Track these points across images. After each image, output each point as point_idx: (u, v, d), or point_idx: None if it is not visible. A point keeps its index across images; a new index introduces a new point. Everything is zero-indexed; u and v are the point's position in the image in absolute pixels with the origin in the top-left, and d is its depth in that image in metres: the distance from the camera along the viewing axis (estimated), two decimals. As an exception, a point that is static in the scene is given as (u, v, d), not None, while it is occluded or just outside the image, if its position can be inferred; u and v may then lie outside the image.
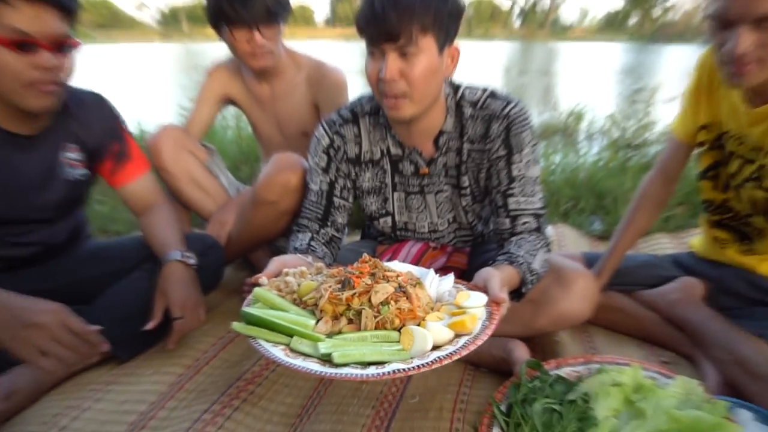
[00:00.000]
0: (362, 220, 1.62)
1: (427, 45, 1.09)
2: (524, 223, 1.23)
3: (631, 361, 1.12)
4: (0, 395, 1.11)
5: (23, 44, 1.05)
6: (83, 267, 1.39)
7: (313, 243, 1.30)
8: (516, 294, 1.15)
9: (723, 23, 1.04)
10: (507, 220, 1.24)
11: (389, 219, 1.40)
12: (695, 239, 1.58)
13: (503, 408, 1.04)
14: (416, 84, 1.10)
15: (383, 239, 1.51)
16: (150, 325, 1.25)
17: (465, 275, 1.42)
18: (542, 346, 1.38)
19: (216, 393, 1.20)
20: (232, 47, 1.61)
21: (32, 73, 1.08)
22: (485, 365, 1.29)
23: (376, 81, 1.12)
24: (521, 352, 1.21)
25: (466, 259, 1.45)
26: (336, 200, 1.35)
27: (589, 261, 1.54)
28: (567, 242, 2.17)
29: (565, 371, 1.13)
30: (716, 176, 1.37)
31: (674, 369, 1.27)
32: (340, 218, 1.36)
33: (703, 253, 1.50)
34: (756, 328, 1.22)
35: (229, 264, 1.78)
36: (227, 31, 1.56)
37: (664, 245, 2.11)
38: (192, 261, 1.32)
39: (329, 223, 1.35)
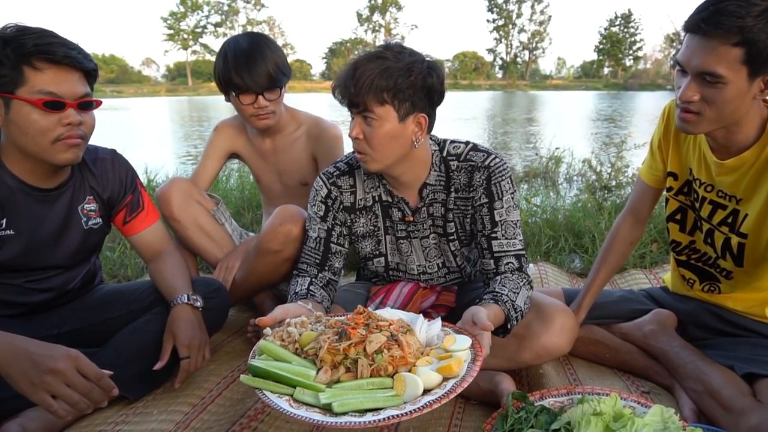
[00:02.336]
0: (357, 262, 1.72)
1: (385, 114, 1.23)
2: (507, 264, 1.35)
3: (611, 391, 1.17)
4: (11, 438, 1.14)
5: (51, 103, 1.18)
6: (95, 311, 1.46)
7: (312, 288, 1.39)
8: (503, 330, 1.25)
9: (681, 69, 1.16)
10: (491, 261, 1.36)
11: (383, 259, 1.50)
12: (667, 275, 1.67)
13: (492, 438, 1.11)
14: (375, 146, 1.26)
15: (377, 280, 1.61)
16: (159, 365, 1.31)
17: (453, 312, 1.52)
18: (528, 378, 1.47)
19: (221, 430, 1.25)
20: (239, 109, 1.76)
21: (59, 130, 1.20)
22: (474, 397, 1.36)
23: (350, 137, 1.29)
24: (507, 385, 1.29)
25: (454, 298, 1.54)
26: (333, 246, 1.45)
27: (569, 297, 1.63)
28: (549, 279, 2.28)
29: (549, 402, 1.20)
30: (683, 219, 1.47)
31: (653, 398, 1.35)
32: (337, 263, 1.47)
33: (673, 288, 1.59)
34: (725, 359, 1.30)
35: (234, 306, 1.86)
36: (234, 96, 1.72)
37: (639, 280, 2.23)
38: (198, 303, 1.40)
39: (327, 268, 1.45)
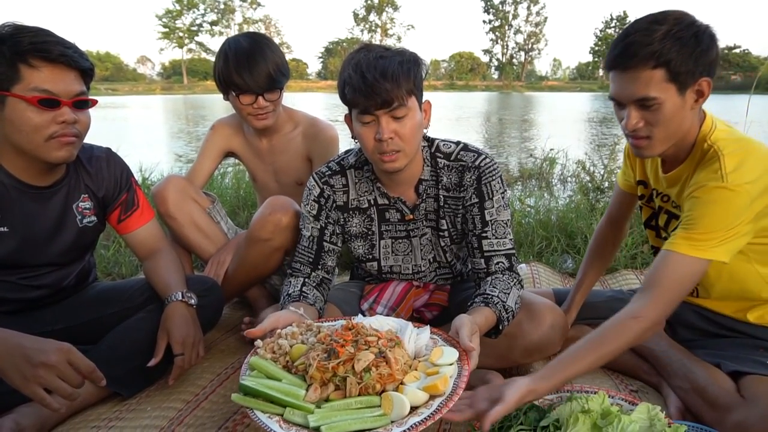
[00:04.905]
0: (351, 261, 1.73)
1: (412, 105, 1.26)
2: (498, 263, 1.37)
3: (599, 389, 1.19)
4: (5, 433, 1.15)
5: (46, 101, 1.18)
6: (89, 308, 1.47)
7: (304, 289, 1.40)
8: (494, 331, 1.27)
9: (617, 103, 1.23)
10: (482, 261, 1.37)
11: (375, 264, 1.52)
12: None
13: (482, 435, 1.13)
14: (408, 139, 1.27)
15: (370, 279, 1.63)
16: (152, 362, 1.32)
17: (446, 311, 1.53)
18: (518, 376, 1.48)
19: (214, 427, 1.26)
20: (237, 108, 1.77)
21: (53, 127, 1.20)
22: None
23: (372, 143, 1.27)
24: (498, 383, 1.31)
25: (447, 297, 1.56)
26: (326, 245, 1.47)
27: (559, 297, 1.66)
28: (541, 279, 2.30)
29: (539, 400, 1.22)
30: (657, 226, 1.50)
31: (641, 397, 1.37)
32: (330, 261, 1.48)
33: (662, 289, 1.63)
34: (712, 357, 1.32)
35: (228, 301, 1.87)
36: (234, 96, 1.73)
37: (630, 281, 2.25)
38: (193, 301, 1.41)
39: (320, 266, 1.46)
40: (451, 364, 1.06)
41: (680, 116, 1.18)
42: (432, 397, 1.00)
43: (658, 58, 1.12)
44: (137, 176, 3.21)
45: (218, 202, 1.92)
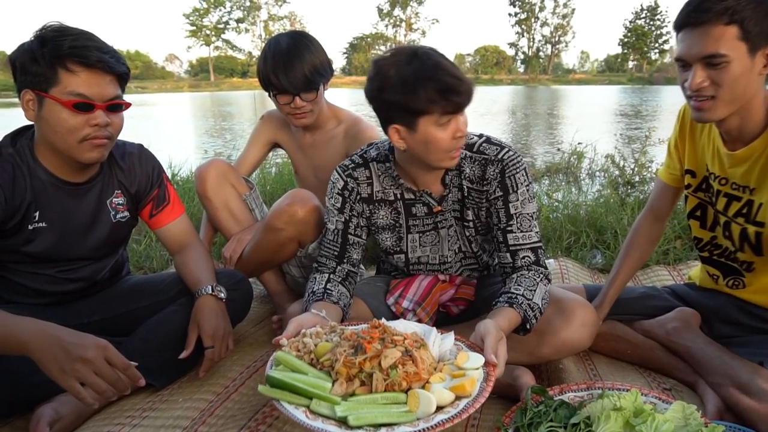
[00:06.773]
0: (378, 256, 1.74)
1: None
2: (524, 257, 1.35)
3: (632, 386, 1.17)
4: (45, 421, 1.19)
5: (81, 105, 1.22)
6: (123, 301, 1.51)
7: (329, 285, 1.41)
8: (522, 329, 1.26)
9: (683, 64, 1.20)
10: (508, 255, 1.36)
11: (403, 256, 1.52)
12: (694, 270, 1.65)
13: (511, 431, 1.12)
14: (466, 132, 1.29)
15: (396, 274, 1.63)
16: (184, 354, 1.35)
17: (473, 305, 1.52)
18: (547, 372, 1.46)
19: (244, 418, 1.28)
20: (278, 107, 1.82)
21: (87, 130, 1.24)
22: (494, 391, 1.35)
23: (449, 142, 1.26)
24: (527, 379, 1.29)
25: (473, 291, 1.55)
26: (351, 238, 1.47)
27: (591, 293, 1.62)
28: (569, 275, 2.26)
29: (569, 396, 1.20)
30: (703, 216, 1.46)
31: (675, 395, 1.33)
32: (355, 254, 1.49)
33: (701, 282, 1.57)
34: (754, 356, 1.27)
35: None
36: (273, 96, 1.77)
37: (662, 277, 2.19)
38: (222, 295, 1.44)
39: (345, 260, 1.47)
40: (477, 369, 1.05)
41: (746, 79, 1.15)
42: (458, 398, 0.99)
43: (733, 14, 1.10)
44: (167, 172, 3.28)
45: (256, 190, 1.97)
